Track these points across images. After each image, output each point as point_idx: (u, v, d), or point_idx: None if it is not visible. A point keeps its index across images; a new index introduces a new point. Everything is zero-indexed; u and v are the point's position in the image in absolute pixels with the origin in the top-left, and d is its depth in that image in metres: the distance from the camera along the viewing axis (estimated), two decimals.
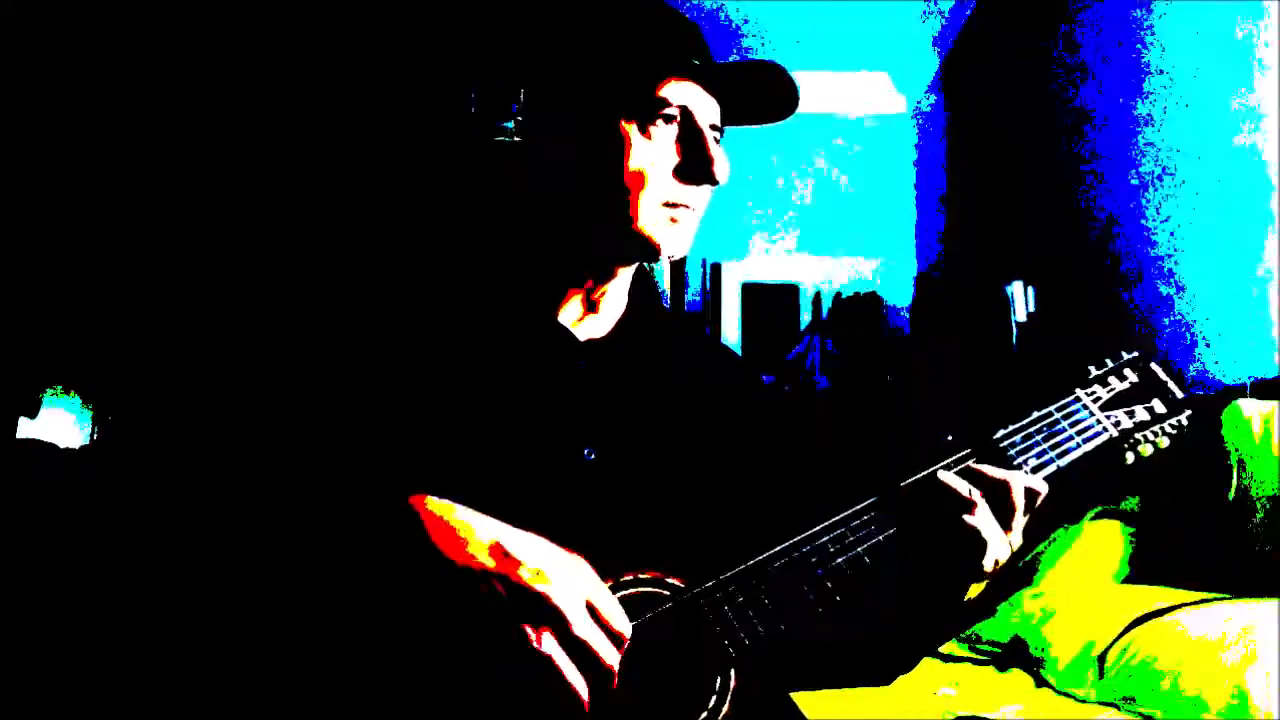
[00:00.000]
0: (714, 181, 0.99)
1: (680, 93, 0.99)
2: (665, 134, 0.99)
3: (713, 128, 1.01)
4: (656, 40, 1.01)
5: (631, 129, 0.98)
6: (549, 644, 0.85)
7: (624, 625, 0.88)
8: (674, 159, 0.99)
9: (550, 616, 0.86)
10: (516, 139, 1.03)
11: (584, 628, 0.86)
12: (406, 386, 0.98)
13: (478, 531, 0.88)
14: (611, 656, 0.87)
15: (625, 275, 1.08)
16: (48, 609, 0.98)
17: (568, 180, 1.01)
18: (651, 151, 0.98)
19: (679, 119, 0.99)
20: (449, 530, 0.88)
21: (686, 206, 1.00)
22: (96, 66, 3.64)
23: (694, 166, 0.99)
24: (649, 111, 0.98)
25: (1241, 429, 2.13)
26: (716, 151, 0.99)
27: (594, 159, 0.99)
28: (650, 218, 0.99)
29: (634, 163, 0.98)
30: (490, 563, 0.87)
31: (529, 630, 0.85)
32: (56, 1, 3.55)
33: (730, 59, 1.04)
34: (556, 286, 1.06)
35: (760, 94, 1.04)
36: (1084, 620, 2.02)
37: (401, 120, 3.89)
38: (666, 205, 0.99)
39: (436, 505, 0.89)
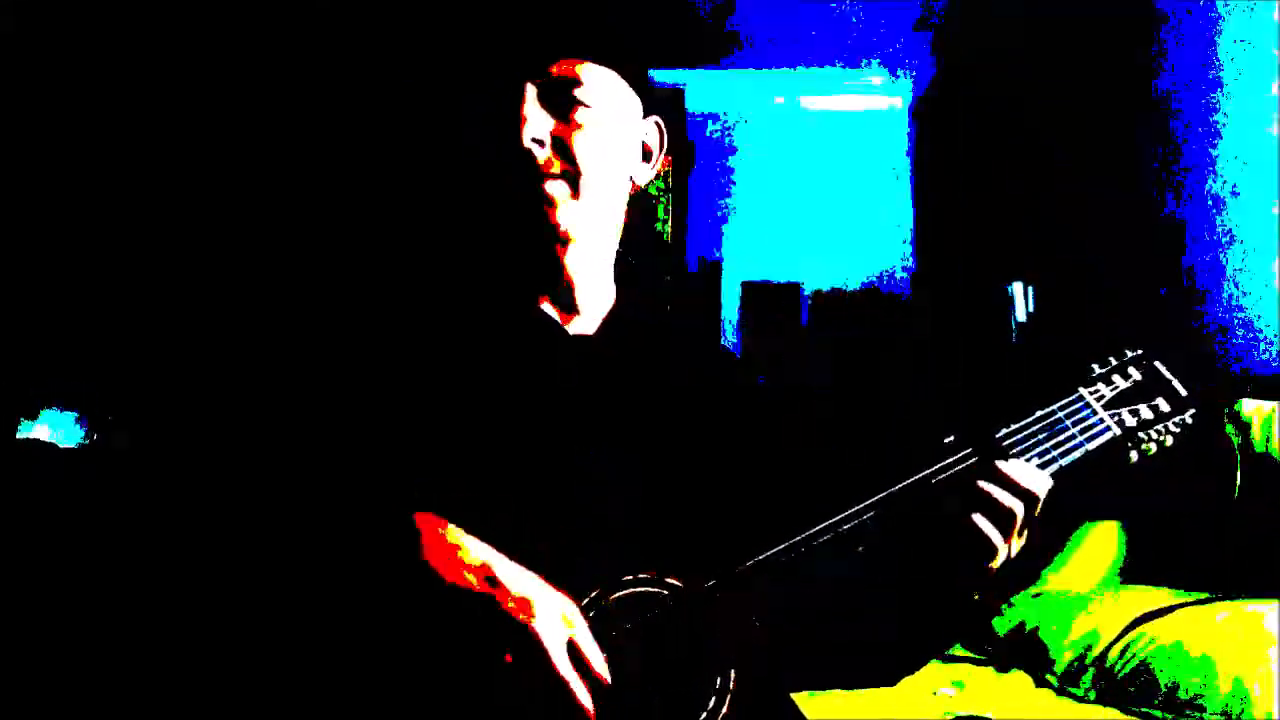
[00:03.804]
0: (535, 141, 0.97)
1: (501, 67, 0.99)
2: (503, 111, 0.97)
3: (553, 84, 0.98)
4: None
5: (482, 113, 0.99)
6: (526, 678, 0.84)
7: (604, 671, 0.86)
8: (511, 133, 0.97)
9: (531, 650, 0.84)
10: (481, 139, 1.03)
11: (564, 668, 0.84)
12: (399, 387, 0.98)
13: (470, 553, 0.87)
14: (588, 702, 0.84)
15: (581, 265, 1.04)
16: (45, 608, 0.98)
17: (496, 174, 1.00)
18: (497, 131, 0.98)
19: (508, 94, 0.98)
20: (444, 549, 0.87)
21: (548, 175, 0.98)
22: (95, 67, 3.63)
23: (517, 136, 0.97)
24: (485, 92, 0.99)
25: (1242, 429, 2.13)
26: (531, 113, 0.97)
27: (479, 150, 1.00)
28: (523, 197, 0.98)
29: (491, 146, 0.98)
30: (478, 585, 0.86)
31: (508, 660, 0.84)
32: (56, 1, 3.55)
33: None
34: (528, 286, 1.05)
35: (578, 42, 1.01)
36: (1084, 620, 2.01)
37: (398, 123, 3.89)
38: (530, 182, 0.98)
39: (434, 522, 0.88)
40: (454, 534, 0.88)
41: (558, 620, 0.86)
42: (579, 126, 0.99)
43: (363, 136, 3.82)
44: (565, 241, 1.00)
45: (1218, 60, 2.55)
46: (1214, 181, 2.57)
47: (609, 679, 0.86)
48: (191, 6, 3.57)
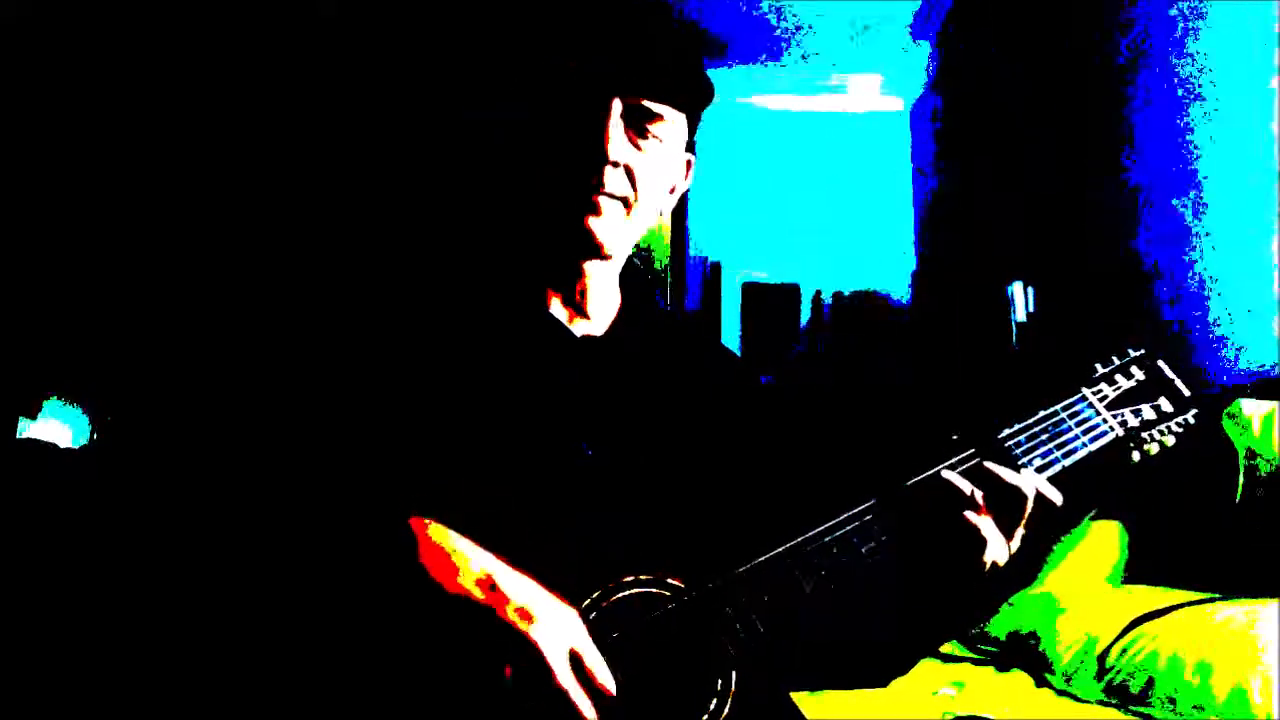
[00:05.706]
0: (611, 162, 1.00)
1: (593, 84, 1.01)
2: (582, 124, 1.00)
3: (636, 112, 1.02)
4: (579, 42, 1.02)
5: (552, 122, 1.01)
6: (527, 688, 0.83)
7: (609, 681, 0.86)
8: (588, 147, 1.00)
9: (531, 660, 0.84)
10: (498, 143, 1.06)
11: (565, 678, 0.84)
12: (402, 386, 0.98)
13: (471, 562, 0.87)
14: (590, 713, 0.84)
15: (600, 273, 1.07)
16: (44, 608, 0.98)
17: (514, 178, 1.04)
18: (569, 142, 1.00)
19: (593, 109, 1.00)
20: (443, 557, 0.86)
21: (609, 194, 1.01)
22: (99, 67, 3.63)
23: (596, 151, 1.00)
24: (564, 103, 1.00)
25: (1242, 429, 2.12)
26: (615, 134, 1.00)
27: (526, 155, 1.03)
28: (576, 208, 1.01)
29: (552, 155, 1.01)
30: (479, 594, 0.85)
31: (507, 670, 0.84)
32: (58, 2, 3.54)
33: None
34: (538, 285, 1.07)
35: (673, 84, 1.05)
36: (1084, 620, 2.01)
37: (400, 126, 3.89)
38: (589, 194, 1.00)
39: (434, 530, 0.88)
40: (454, 541, 0.88)
41: (559, 630, 0.85)
42: (647, 156, 1.03)
43: (377, 137, 3.82)
44: (602, 257, 1.04)
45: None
46: (1211, 182, 2.58)
47: (612, 689, 0.86)
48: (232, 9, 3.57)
